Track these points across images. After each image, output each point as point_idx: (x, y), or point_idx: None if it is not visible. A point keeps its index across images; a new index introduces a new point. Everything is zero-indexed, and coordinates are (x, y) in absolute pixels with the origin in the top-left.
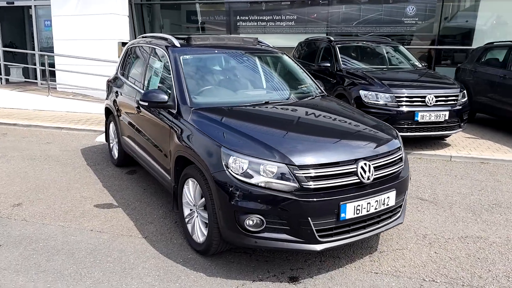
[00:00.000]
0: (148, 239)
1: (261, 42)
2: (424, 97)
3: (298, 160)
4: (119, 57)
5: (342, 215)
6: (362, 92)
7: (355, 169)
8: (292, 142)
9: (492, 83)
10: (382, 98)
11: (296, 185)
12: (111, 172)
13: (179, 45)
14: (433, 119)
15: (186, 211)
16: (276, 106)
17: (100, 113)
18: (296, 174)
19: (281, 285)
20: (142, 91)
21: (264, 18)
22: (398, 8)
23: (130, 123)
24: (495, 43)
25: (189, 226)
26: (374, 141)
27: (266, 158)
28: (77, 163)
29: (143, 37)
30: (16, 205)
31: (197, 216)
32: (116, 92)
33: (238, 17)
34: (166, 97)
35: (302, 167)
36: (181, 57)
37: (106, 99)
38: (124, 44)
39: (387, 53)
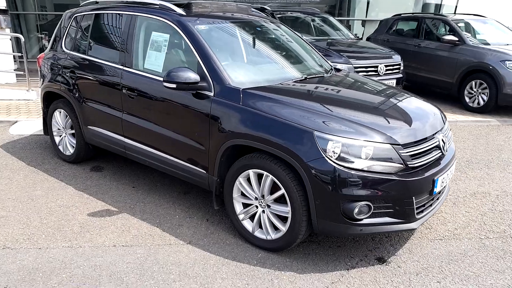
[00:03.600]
0: (195, 245)
1: (264, 10)
2: (377, 66)
3: (401, 139)
4: None
5: (435, 189)
6: None
7: (437, 143)
8: (381, 120)
9: (406, 52)
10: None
11: (402, 165)
12: (70, 171)
13: (185, 14)
14: None
15: (239, 207)
16: (319, 81)
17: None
18: (402, 154)
19: (375, 267)
20: (138, 72)
21: None
22: None
23: (109, 111)
24: (402, 15)
25: (245, 223)
26: (437, 113)
27: (369, 139)
28: (12, 164)
29: (97, 3)
30: None
31: (263, 211)
32: (72, 72)
33: None
34: (198, 77)
35: (405, 145)
36: (196, 28)
37: (43, 82)
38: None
39: (322, 24)
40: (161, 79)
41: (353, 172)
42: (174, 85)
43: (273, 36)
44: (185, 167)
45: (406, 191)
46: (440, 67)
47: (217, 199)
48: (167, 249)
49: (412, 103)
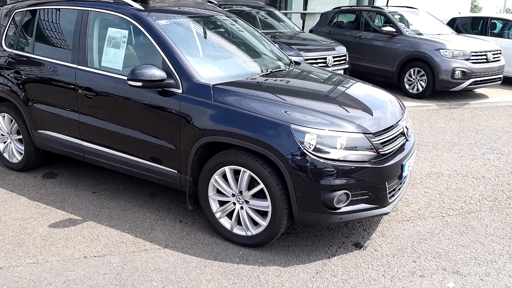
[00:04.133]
0: (172, 248)
1: (211, 3)
2: (325, 58)
3: (371, 127)
4: None
5: (404, 174)
6: None
7: (402, 129)
8: (349, 110)
9: (348, 43)
10: None
11: (374, 153)
12: (20, 180)
13: (143, 8)
14: None
15: (215, 205)
16: (285, 75)
17: None
18: (373, 142)
19: (354, 253)
20: (95, 70)
21: None
22: None
23: (62, 113)
24: (342, 8)
25: (223, 221)
26: (397, 101)
27: (343, 130)
28: None
29: None
30: None
31: (241, 208)
32: (17, 72)
33: None
34: (164, 74)
35: (376, 134)
36: (157, 23)
37: None
38: None
39: (267, 17)
40: (122, 77)
41: (330, 162)
42: (139, 83)
43: (233, 31)
44: (154, 168)
45: (380, 177)
46: (380, 57)
47: (191, 198)
48: (144, 255)
49: (376, 93)
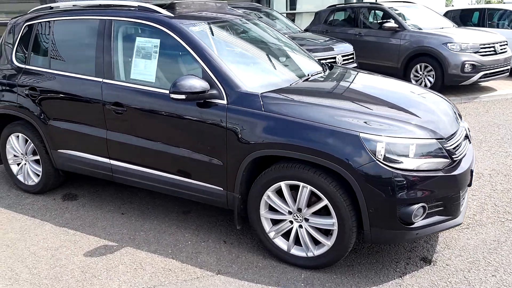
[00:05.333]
0: (226, 274)
1: (230, 8)
2: (335, 57)
3: (442, 132)
4: None
5: (472, 181)
6: None
7: (465, 132)
8: (417, 114)
9: (348, 41)
10: None
11: (448, 160)
12: (39, 204)
13: (172, 15)
14: None
15: (268, 224)
16: (329, 79)
17: None
18: (447, 148)
19: (425, 269)
20: (125, 84)
21: None
22: None
23: (87, 130)
24: (337, 6)
25: (278, 241)
26: (451, 104)
27: (415, 137)
28: None
29: (51, 8)
30: None
31: (299, 226)
32: (33, 89)
33: None
34: (207, 84)
35: (448, 139)
36: (190, 30)
37: None
38: None
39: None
40: (156, 89)
41: (406, 173)
42: (183, 96)
43: (260, 35)
44: (196, 186)
45: (455, 186)
46: (383, 54)
47: (239, 217)
48: (198, 284)
49: (429, 95)
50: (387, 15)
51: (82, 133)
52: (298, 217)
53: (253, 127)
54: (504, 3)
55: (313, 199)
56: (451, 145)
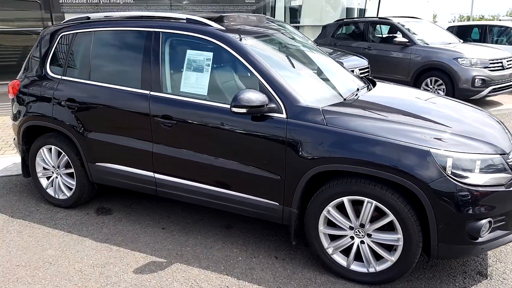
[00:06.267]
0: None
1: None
2: (353, 71)
3: (504, 147)
4: None
5: None
6: None
7: None
8: (477, 130)
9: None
10: None
11: (510, 175)
12: (73, 218)
13: (223, 28)
14: None
15: (326, 240)
16: (378, 94)
17: None
18: (509, 163)
19: (484, 283)
20: (175, 97)
21: None
22: None
23: (130, 143)
24: (345, 20)
25: (336, 257)
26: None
27: (480, 152)
28: None
29: (88, 18)
30: None
31: (361, 242)
32: (71, 101)
33: None
34: (266, 98)
35: (509, 154)
36: (244, 43)
37: (23, 115)
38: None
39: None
40: (209, 103)
41: (474, 188)
42: (244, 110)
43: (304, 49)
44: (249, 201)
45: None
46: (393, 67)
47: (295, 234)
48: None
49: (476, 111)
50: (395, 30)
51: (124, 146)
52: (360, 232)
53: (315, 142)
54: (500, 20)
55: (375, 214)
56: (510, 160)
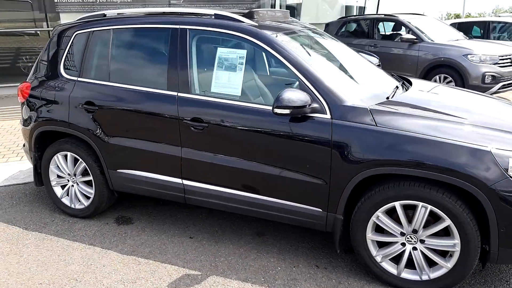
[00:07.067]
0: None
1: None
2: None
3: None
4: None
5: None
6: None
7: None
8: None
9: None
10: None
11: None
12: (91, 229)
13: (256, 24)
14: None
15: (373, 247)
16: (424, 89)
17: None
18: None
19: None
20: (207, 98)
21: None
22: None
23: (157, 148)
24: (349, 17)
25: (385, 265)
26: None
27: None
28: (5, 232)
29: (104, 15)
30: None
31: (413, 248)
32: (90, 104)
33: None
34: (309, 98)
35: None
36: (280, 40)
37: (34, 119)
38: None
39: None
40: (244, 104)
41: None
42: (287, 111)
43: (334, 46)
44: (289, 207)
45: None
46: (401, 64)
47: (340, 241)
48: None
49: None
50: (399, 27)
51: (148, 151)
52: (412, 238)
53: (365, 144)
54: (498, 16)
55: (428, 218)
56: None
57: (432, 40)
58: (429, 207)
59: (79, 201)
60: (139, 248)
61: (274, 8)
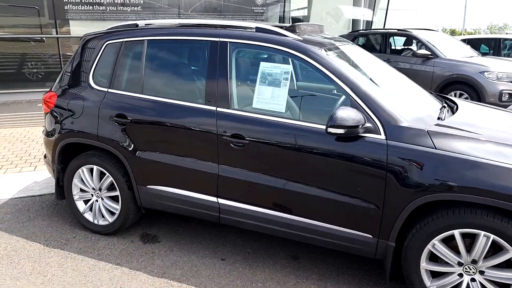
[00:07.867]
0: None
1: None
2: None
3: None
4: None
5: None
6: None
7: None
8: None
9: None
10: None
11: None
12: (116, 247)
13: (301, 38)
14: None
15: (427, 277)
16: (470, 112)
17: None
18: None
19: None
20: (249, 114)
21: (102, 1)
22: None
23: (192, 164)
24: (361, 31)
25: None
26: None
27: None
28: (24, 250)
29: (137, 26)
30: None
31: (472, 280)
32: (120, 116)
33: None
34: (363, 117)
35: None
36: (328, 56)
37: (58, 131)
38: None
39: None
40: (289, 121)
41: None
42: (341, 131)
43: (374, 62)
44: (335, 232)
45: None
46: (415, 80)
47: (391, 270)
48: None
49: None
50: (411, 41)
51: (182, 167)
52: (470, 269)
53: (424, 168)
54: (506, 33)
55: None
56: None
57: (445, 56)
58: (492, 236)
59: (103, 217)
60: (169, 270)
61: (283, 20)
